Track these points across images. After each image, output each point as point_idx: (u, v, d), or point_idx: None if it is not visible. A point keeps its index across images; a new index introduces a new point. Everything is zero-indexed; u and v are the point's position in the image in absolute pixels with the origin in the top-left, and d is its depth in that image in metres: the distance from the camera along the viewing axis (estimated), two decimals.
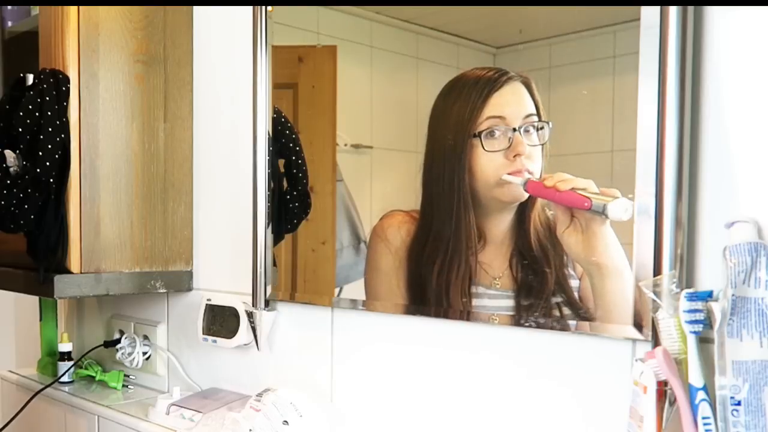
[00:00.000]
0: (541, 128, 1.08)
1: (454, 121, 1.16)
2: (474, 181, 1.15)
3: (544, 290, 1.07)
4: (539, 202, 1.09)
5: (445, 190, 1.17)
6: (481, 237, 1.15)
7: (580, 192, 1.03)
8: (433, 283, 1.19)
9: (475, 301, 1.14)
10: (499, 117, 1.12)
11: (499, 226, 1.13)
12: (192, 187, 1.69)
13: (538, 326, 1.07)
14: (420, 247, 1.22)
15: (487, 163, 1.13)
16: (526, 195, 1.10)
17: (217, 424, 1.35)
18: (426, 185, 1.21)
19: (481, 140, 1.13)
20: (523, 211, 1.11)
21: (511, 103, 1.11)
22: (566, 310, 1.05)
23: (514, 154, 1.10)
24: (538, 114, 1.08)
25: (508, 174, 1.11)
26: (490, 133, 1.12)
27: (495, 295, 1.12)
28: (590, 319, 1.02)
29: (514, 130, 1.10)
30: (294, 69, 1.44)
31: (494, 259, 1.13)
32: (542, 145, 1.08)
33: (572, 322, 1.04)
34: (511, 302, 1.11)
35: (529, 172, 1.09)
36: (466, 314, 1.15)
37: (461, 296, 1.15)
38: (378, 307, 1.28)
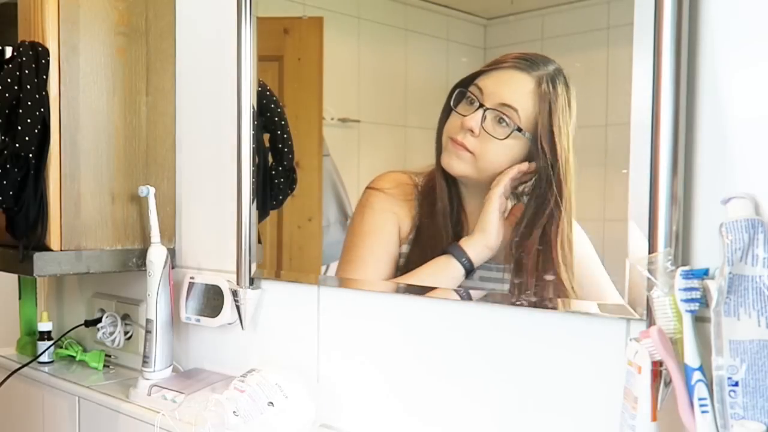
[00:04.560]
0: (517, 131, 1.06)
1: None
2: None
3: (538, 267, 1.05)
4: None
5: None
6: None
7: None
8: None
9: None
10: (479, 88, 1.11)
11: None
12: (174, 163, 1.66)
13: (531, 305, 1.06)
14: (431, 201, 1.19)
15: (451, 119, 1.14)
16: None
17: (200, 406, 1.33)
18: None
19: (459, 97, 1.12)
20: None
21: (499, 83, 1.09)
22: (560, 289, 1.03)
23: (466, 127, 1.10)
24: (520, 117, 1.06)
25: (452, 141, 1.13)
26: (468, 99, 1.11)
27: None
28: (584, 298, 1.00)
29: (482, 107, 1.09)
30: (279, 41, 1.42)
31: None
32: (500, 140, 1.08)
33: (566, 300, 1.02)
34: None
35: (469, 151, 1.11)
36: (463, 291, 1.13)
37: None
38: (363, 285, 1.26)
